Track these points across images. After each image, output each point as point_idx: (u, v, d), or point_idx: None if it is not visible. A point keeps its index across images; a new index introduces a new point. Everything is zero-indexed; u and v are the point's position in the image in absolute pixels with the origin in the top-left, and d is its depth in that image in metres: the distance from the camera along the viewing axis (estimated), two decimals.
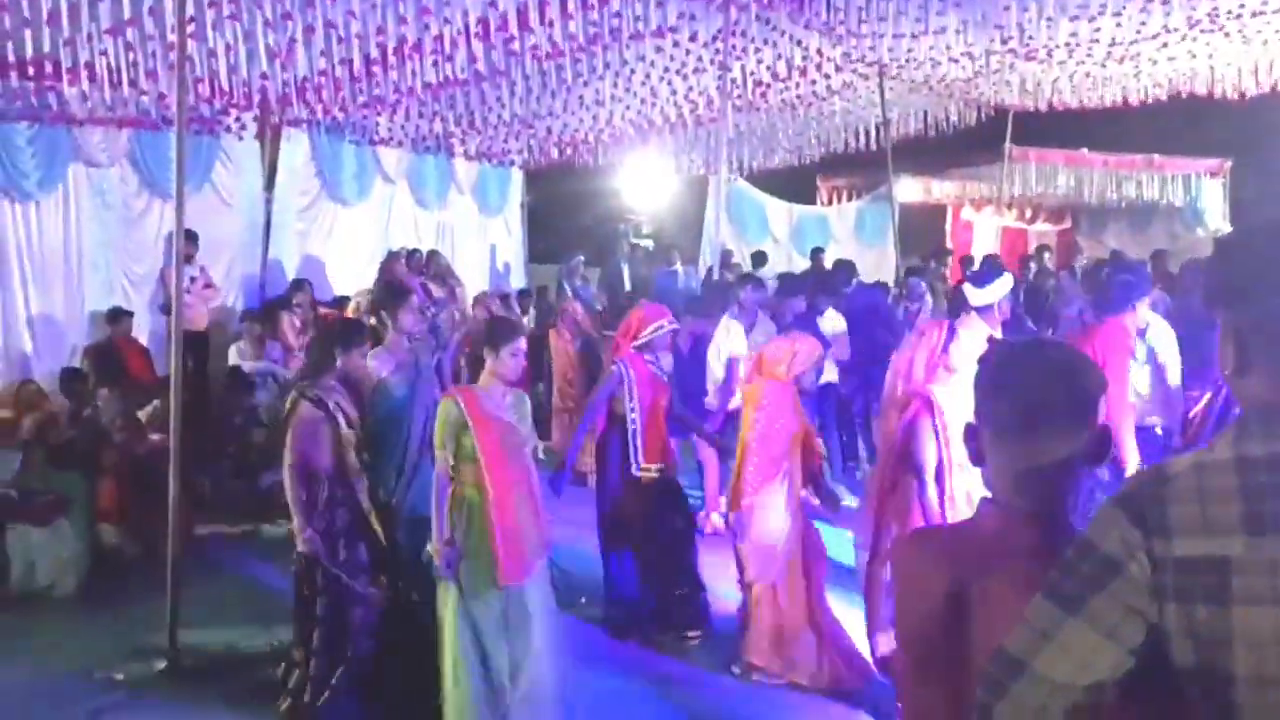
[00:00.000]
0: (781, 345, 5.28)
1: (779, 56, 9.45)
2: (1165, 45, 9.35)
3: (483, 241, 15.06)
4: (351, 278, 11.91)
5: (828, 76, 10.31)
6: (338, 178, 12.09)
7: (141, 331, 9.64)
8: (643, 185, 16.55)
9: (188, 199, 5.64)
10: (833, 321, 8.26)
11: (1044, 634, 1.36)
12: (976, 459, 1.75)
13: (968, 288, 5.30)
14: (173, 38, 5.53)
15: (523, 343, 4.45)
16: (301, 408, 4.44)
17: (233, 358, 9.14)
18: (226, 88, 7.49)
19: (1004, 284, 5.35)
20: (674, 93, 10.10)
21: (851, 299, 9.14)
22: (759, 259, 14.17)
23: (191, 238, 9.01)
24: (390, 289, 5.91)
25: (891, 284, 11.07)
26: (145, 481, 6.63)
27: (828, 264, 12.84)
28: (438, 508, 4.23)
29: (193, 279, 9.44)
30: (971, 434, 1.76)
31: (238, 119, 9.64)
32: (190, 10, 5.48)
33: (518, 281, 15.24)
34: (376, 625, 4.56)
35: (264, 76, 7.34)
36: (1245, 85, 10.69)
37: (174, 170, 5.29)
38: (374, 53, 7.06)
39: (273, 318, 9.32)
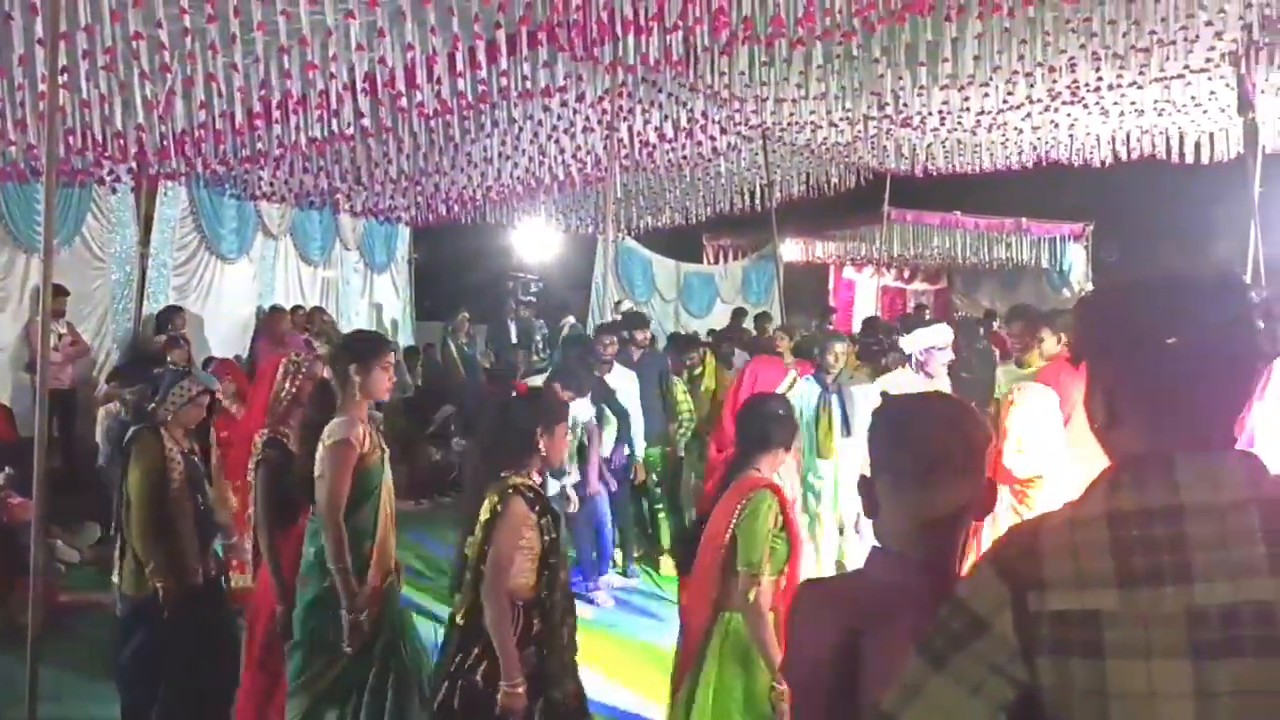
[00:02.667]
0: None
1: (665, 118, 9.61)
2: (1029, 115, 9.82)
3: (369, 298, 14.86)
4: (232, 335, 11.60)
5: (713, 139, 10.52)
6: (217, 232, 11.77)
7: (3, 391, 9.20)
8: (531, 243, 16.59)
9: (57, 253, 5.43)
10: (627, 384, 7.40)
11: (912, 690, 1.36)
12: (870, 510, 1.77)
13: (902, 337, 5.99)
14: (43, 87, 5.35)
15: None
16: (515, 507, 3.22)
17: (101, 419, 8.76)
18: (100, 139, 7.24)
19: (930, 334, 5.96)
20: (562, 152, 10.18)
21: (643, 365, 7.77)
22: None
23: (59, 293, 8.68)
24: (366, 341, 4.30)
25: None
26: (5, 549, 6.28)
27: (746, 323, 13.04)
28: (770, 644, 3.32)
29: (60, 336, 9.07)
30: (866, 485, 1.77)
31: (111, 171, 9.32)
32: (63, 60, 5.31)
33: (405, 339, 15.05)
34: None
35: (140, 128, 7.12)
36: (1104, 154, 11.33)
37: (42, 223, 5.10)
38: (256, 106, 6.93)
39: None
